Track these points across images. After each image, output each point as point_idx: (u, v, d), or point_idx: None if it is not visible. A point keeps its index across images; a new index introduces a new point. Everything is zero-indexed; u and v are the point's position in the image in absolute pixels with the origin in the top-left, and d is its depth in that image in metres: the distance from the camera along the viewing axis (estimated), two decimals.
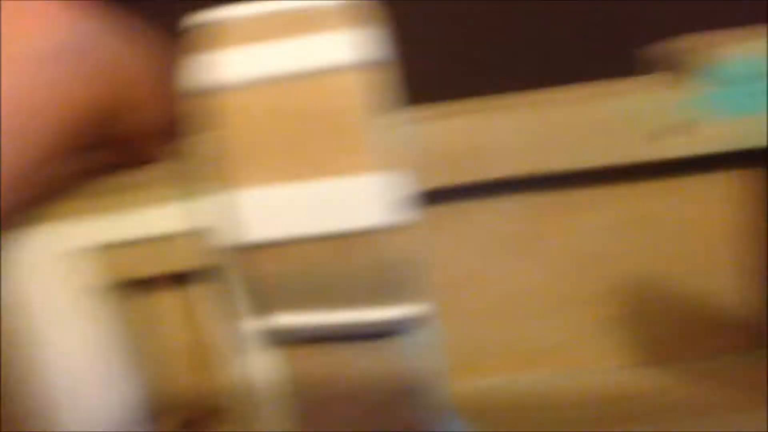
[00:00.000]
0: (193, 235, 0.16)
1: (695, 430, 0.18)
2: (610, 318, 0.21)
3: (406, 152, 0.17)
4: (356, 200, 0.13)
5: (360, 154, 0.13)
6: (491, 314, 0.20)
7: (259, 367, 0.15)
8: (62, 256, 0.16)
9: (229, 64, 0.13)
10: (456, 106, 0.19)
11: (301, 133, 0.13)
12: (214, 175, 0.14)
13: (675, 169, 0.20)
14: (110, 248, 0.16)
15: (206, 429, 0.17)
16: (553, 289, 0.20)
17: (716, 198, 0.20)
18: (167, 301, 0.17)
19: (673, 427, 0.19)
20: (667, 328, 0.21)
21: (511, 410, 0.19)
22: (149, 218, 0.16)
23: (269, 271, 0.13)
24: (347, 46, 0.13)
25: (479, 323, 0.21)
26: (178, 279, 0.17)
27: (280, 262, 0.13)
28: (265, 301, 0.14)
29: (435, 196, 0.19)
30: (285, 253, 0.13)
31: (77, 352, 0.16)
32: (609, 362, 0.21)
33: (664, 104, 0.18)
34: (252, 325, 0.15)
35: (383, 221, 0.13)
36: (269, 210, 0.13)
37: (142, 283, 0.16)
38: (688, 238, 0.21)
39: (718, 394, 0.19)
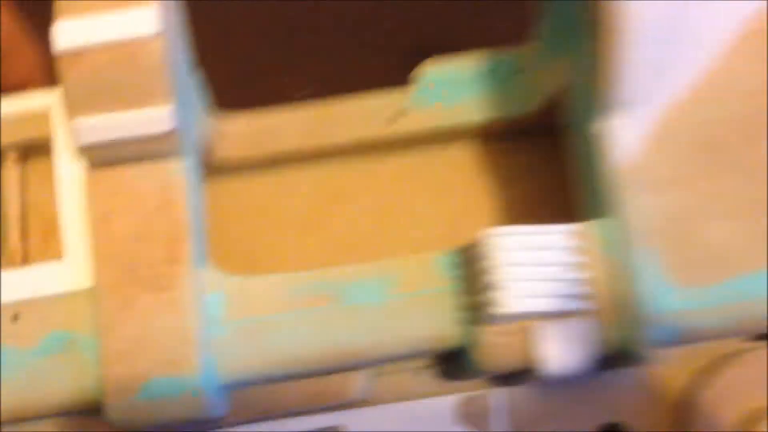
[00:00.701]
0: None
1: None
2: None
3: None
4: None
5: None
6: None
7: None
8: None
9: None
10: None
11: None
12: None
13: (415, 150, 0.26)
14: None
15: None
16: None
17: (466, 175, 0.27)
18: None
19: None
20: None
21: None
22: None
23: (71, 77, 0.19)
24: None
25: None
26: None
27: (78, 67, 0.19)
28: (69, 108, 0.19)
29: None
30: (82, 59, 0.19)
31: None
32: None
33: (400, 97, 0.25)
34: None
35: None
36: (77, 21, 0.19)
37: None
38: (442, 215, 0.26)
39: None
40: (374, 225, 0.26)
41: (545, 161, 0.26)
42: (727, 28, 0.21)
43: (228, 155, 0.25)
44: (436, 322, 0.20)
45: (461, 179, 0.27)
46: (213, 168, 0.26)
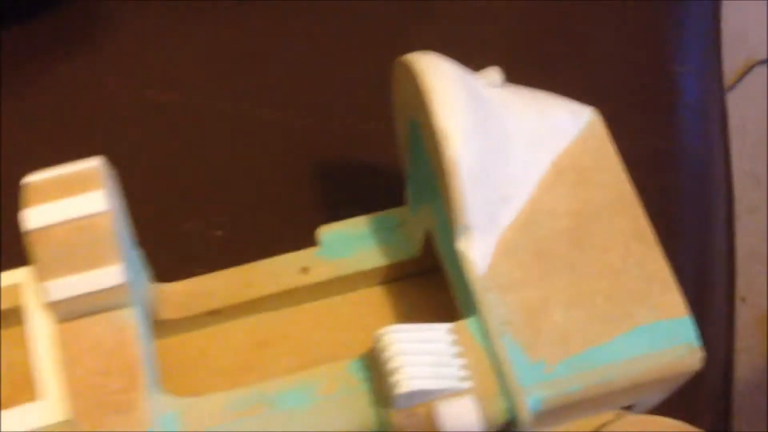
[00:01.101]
0: None
1: None
2: None
3: None
4: None
5: None
6: None
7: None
8: None
9: None
10: None
11: None
12: None
13: (326, 296, 0.32)
14: None
15: None
16: None
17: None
18: None
19: None
20: None
21: None
22: None
23: (40, 249, 0.24)
24: None
25: None
26: None
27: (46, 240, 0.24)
28: (40, 273, 0.24)
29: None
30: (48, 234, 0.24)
31: None
32: None
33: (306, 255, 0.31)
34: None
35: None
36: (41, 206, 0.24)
37: None
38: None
39: None
40: (297, 363, 0.31)
41: (436, 293, 0.31)
42: (539, 165, 0.28)
43: (170, 316, 0.30)
44: (355, 416, 0.25)
45: (367, 318, 0.32)
46: (157, 328, 0.30)
